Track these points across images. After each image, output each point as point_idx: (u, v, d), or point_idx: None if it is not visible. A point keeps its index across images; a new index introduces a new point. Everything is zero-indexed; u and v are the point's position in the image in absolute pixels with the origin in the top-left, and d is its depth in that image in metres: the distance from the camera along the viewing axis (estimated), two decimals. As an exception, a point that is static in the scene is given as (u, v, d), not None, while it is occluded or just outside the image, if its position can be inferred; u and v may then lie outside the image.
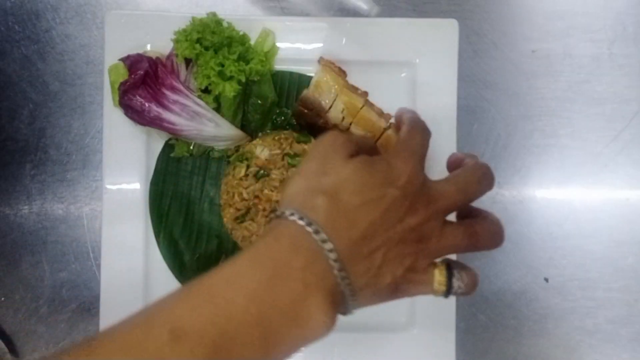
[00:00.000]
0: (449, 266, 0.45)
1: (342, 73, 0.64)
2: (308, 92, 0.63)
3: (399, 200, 0.42)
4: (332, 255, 0.39)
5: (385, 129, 0.63)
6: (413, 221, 0.42)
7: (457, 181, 0.46)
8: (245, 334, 0.36)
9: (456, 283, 0.44)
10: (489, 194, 0.68)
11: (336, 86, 0.63)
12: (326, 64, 0.64)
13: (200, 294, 0.38)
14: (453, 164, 0.52)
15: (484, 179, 0.47)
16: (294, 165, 0.61)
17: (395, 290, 0.43)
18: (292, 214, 0.40)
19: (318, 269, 0.39)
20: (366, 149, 0.48)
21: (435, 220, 0.43)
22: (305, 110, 0.63)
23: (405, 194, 0.42)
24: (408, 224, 0.42)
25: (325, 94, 0.63)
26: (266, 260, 0.39)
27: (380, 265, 0.41)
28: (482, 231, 0.46)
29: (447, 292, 0.44)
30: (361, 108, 0.63)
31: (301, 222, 0.40)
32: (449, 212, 0.45)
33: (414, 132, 0.49)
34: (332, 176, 0.42)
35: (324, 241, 0.39)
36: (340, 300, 0.41)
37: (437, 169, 0.65)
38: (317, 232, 0.39)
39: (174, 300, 0.39)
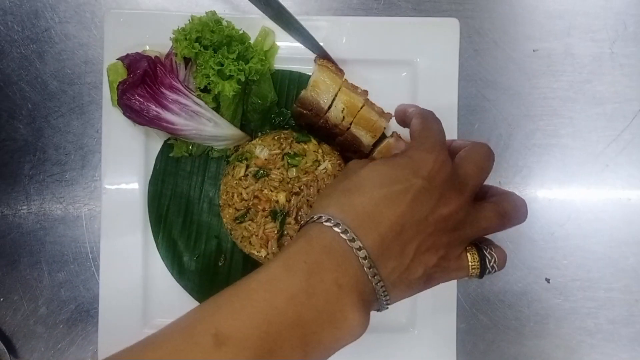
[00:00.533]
0: (479, 247, 0.45)
1: (339, 72, 0.64)
2: (306, 93, 0.63)
3: (426, 191, 0.41)
4: (362, 254, 0.39)
5: (386, 137, 0.63)
6: (446, 210, 0.42)
7: (475, 160, 0.46)
8: (285, 336, 0.37)
9: (490, 263, 0.44)
10: (490, 194, 0.68)
11: (334, 85, 0.63)
12: (323, 63, 0.63)
13: (239, 299, 0.39)
14: (401, 115, 0.54)
15: (490, 155, 0.48)
16: (294, 165, 0.60)
17: (428, 280, 0.43)
18: (320, 217, 0.41)
19: (350, 270, 0.39)
20: None
21: (468, 205, 0.43)
22: (304, 111, 0.63)
23: (433, 184, 0.42)
24: (441, 214, 0.42)
25: (324, 94, 0.63)
26: (300, 263, 0.39)
27: (413, 258, 0.41)
28: (510, 209, 0.46)
29: (482, 273, 0.44)
30: (361, 108, 0.63)
31: (329, 224, 0.40)
32: (475, 192, 0.45)
33: (429, 122, 0.49)
34: (353, 177, 0.43)
35: (352, 240, 0.40)
36: (374, 298, 0.41)
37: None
38: (345, 231, 0.40)
39: (214, 306, 0.40)
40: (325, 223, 0.41)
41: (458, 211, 0.42)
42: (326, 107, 0.63)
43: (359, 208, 0.41)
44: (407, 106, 0.53)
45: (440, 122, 0.49)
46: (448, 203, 0.42)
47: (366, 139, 0.62)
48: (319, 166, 0.61)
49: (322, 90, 0.63)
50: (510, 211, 0.46)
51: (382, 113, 0.63)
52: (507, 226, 0.46)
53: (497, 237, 0.67)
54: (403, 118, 0.53)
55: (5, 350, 0.66)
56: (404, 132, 0.63)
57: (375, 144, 0.63)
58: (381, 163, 0.44)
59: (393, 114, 0.63)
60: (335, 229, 0.40)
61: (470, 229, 0.43)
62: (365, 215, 0.41)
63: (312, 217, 0.42)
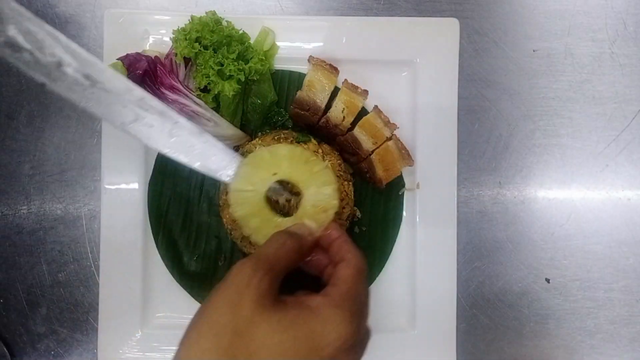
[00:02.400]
0: None
1: (334, 70, 0.64)
2: (302, 93, 0.63)
3: None
4: None
5: (387, 139, 0.63)
6: None
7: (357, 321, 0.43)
8: None
9: None
10: (490, 194, 0.68)
11: (330, 83, 0.63)
12: (317, 62, 0.63)
13: None
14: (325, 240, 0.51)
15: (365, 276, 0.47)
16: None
17: None
18: None
19: None
20: (287, 262, 0.45)
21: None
22: (302, 112, 0.63)
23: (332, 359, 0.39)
24: None
25: (320, 93, 0.63)
26: None
27: None
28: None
29: None
30: (369, 113, 0.63)
31: None
32: None
33: (360, 280, 0.46)
34: (244, 338, 0.38)
35: None
36: None
37: (436, 170, 0.65)
38: None
39: None
40: None
41: None
42: (323, 106, 0.63)
43: None
44: (344, 242, 0.50)
45: (362, 265, 0.47)
46: None
47: (367, 144, 0.63)
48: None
49: (317, 90, 0.63)
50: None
51: (387, 122, 0.64)
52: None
53: (497, 237, 0.68)
54: (334, 253, 0.50)
55: (6, 350, 0.66)
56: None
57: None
58: (282, 329, 0.39)
59: (394, 119, 0.64)
60: None
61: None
62: None
63: None
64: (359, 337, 0.43)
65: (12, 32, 0.48)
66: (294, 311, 0.41)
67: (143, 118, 0.52)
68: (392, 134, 0.64)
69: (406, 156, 0.63)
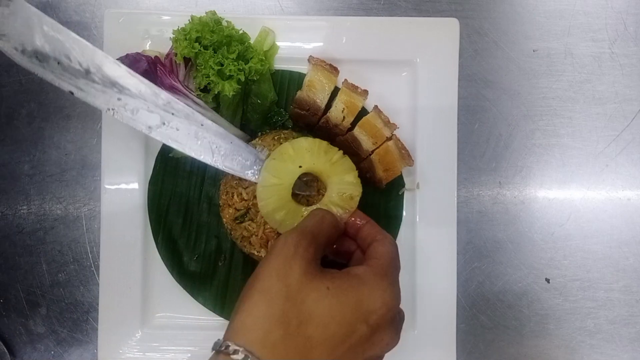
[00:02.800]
0: None
1: (334, 70, 0.64)
2: (302, 93, 0.63)
3: (367, 336, 0.40)
4: None
5: (387, 139, 0.63)
6: (375, 352, 0.42)
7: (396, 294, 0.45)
8: None
9: None
10: (490, 194, 0.68)
11: (330, 83, 0.63)
12: (317, 62, 0.63)
13: None
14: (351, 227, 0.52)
15: (397, 254, 0.49)
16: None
17: None
18: (236, 350, 0.37)
19: None
20: (327, 235, 0.46)
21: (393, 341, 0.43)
22: (302, 112, 0.63)
23: (376, 329, 0.41)
24: (370, 356, 0.41)
25: (320, 92, 0.63)
26: None
27: None
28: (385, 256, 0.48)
29: None
30: (369, 113, 0.63)
31: None
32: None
33: (397, 256, 0.48)
34: (296, 304, 0.39)
35: None
36: None
37: (436, 170, 0.65)
38: None
39: None
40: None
41: (385, 350, 0.43)
42: (323, 106, 0.63)
43: (291, 347, 0.38)
44: (372, 227, 0.51)
45: (395, 244, 0.49)
46: (380, 344, 0.42)
47: (367, 144, 0.63)
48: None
49: (318, 89, 0.63)
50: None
51: (387, 122, 0.64)
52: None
53: (497, 237, 0.68)
54: (365, 235, 0.51)
55: (6, 350, 0.66)
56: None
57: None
58: (331, 295, 0.40)
59: (393, 119, 0.64)
60: None
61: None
62: (298, 355, 0.38)
63: (228, 346, 0.38)
64: (399, 312, 0.44)
65: (40, 41, 0.48)
66: (341, 279, 0.42)
67: (169, 122, 0.53)
68: (392, 134, 0.64)
69: (406, 156, 0.63)
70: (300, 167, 0.56)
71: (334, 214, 0.52)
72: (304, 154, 0.56)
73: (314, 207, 0.55)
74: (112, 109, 0.52)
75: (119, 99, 0.52)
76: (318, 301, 0.40)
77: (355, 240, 0.52)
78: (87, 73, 0.50)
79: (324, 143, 0.57)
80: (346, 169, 0.57)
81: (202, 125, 0.54)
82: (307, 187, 0.57)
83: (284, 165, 0.56)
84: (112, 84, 0.51)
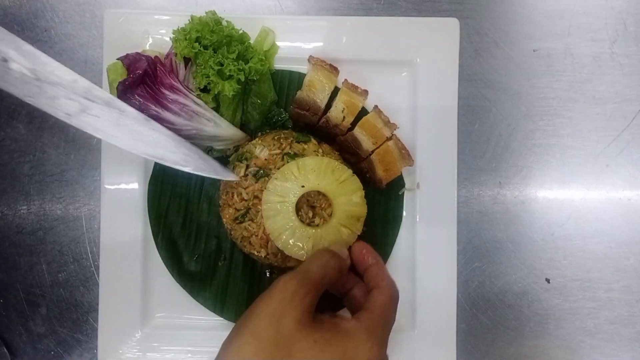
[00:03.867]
0: None
1: (334, 70, 0.64)
2: (302, 93, 0.63)
3: None
4: None
5: (387, 139, 0.63)
6: None
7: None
8: None
9: None
10: (490, 194, 0.68)
11: (330, 83, 0.63)
12: (317, 62, 0.63)
13: None
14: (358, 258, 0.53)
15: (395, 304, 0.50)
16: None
17: None
18: None
19: None
20: (329, 281, 0.46)
21: None
22: (302, 112, 0.63)
23: None
24: None
25: (320, 92, 0.63)
26: None
27: None
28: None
29: None
30: (369, 113, 0.63)
31: None
32: None
33: (392, 308, 0.48)
34: (284, 352, 0.40)
35: None
36: None
37: (436, 170, 0.65)
38: None
39: None
40: None
41: None
42: (323, 106, 0.63)
43: None
44: (380, 269, 0.52)
45: (396, 294, 0.50)
46: None
47: (367, 144, 0.63)
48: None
49: (317, 89, 0.63)
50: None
51: (387, 122, 0.64)
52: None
53: (497, 237, 0.68)
54: (369, 277, 0.51)
55: (6, 350, 0.66)
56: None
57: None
58: (318, 348, 0.41)
59: (393, 119, 0.64)
60: None
61: None
62: None
63: None
64: None
65: None
66: (331, 332, 0.43)
67: (89, 109, 0.52)
68: (392, 134, 0.64)
69: (406, 156, 0.63)
70: (302, 186, 0.56)
71: (340, 254, 0.51)
72: (308, 173, 0.56)
73: (322, 229, 0.55)
74: (30, 97, 0.50)
75: (37, 87, 0.50)
76: (305, 351, 0.41)
77: (359, 274, 0.52)
78: (4, 61, 0.49)
79: (333, 162, 0.57)
80: (353, 189, 0.57)
81: (123, 112, 0.53)
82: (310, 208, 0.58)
83: (285, 185, 0.56)
84: (31, 71, 0.50)
